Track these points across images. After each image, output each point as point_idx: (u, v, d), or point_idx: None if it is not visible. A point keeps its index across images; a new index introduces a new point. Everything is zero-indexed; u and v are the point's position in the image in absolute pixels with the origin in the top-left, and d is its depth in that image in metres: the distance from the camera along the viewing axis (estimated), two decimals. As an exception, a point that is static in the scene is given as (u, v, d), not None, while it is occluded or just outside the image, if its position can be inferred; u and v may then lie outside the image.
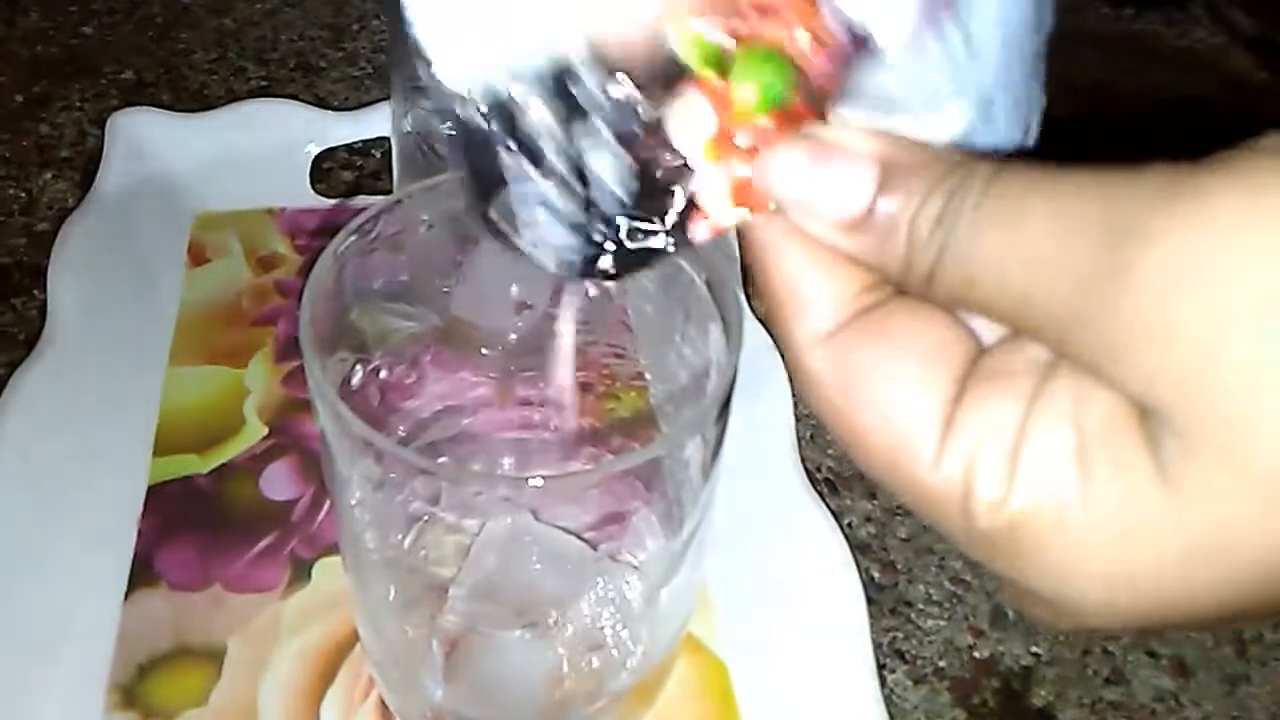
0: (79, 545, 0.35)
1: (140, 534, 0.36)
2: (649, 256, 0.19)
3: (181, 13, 0.60)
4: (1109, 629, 0.18)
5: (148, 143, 0.46)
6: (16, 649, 0.32)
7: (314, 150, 0.48)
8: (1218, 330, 0.14)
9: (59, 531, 0.35)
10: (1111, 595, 0.16)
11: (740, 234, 0.20)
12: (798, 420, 0.39)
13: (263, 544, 0.36)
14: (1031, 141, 0.21)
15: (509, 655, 0.29)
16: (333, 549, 0.36)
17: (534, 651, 0.29)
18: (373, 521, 0.25)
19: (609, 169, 0.18)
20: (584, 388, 0.34)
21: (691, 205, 0.19)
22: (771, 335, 0.42)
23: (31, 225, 0.48)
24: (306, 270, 0.24)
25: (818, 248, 0.19)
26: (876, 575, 0.38)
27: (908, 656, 0.36)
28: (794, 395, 0.40)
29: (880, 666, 0.34)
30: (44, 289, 0.40)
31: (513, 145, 0.18)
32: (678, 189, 0.19)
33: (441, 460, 0.31)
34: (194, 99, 0.54)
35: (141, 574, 0.35)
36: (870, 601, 0.35)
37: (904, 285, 0.18)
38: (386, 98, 0.40)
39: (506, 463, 0.34)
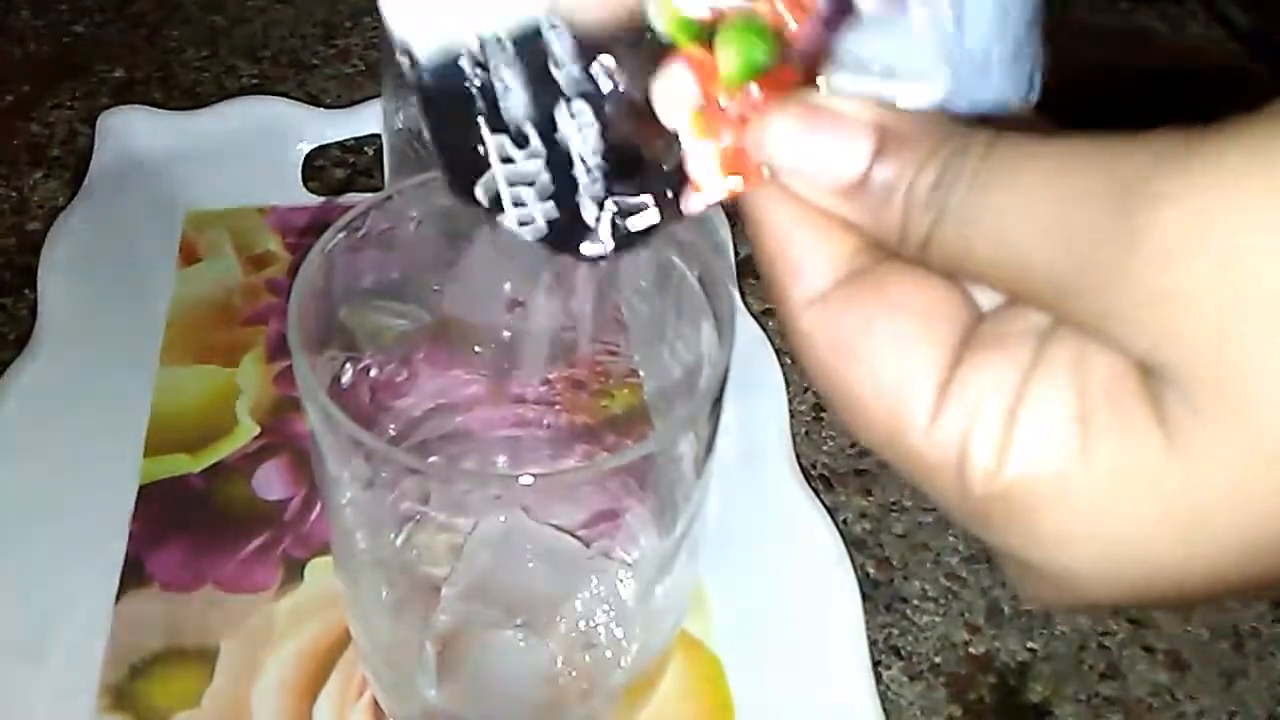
0: (70, 546, 0.35)
1: (132, 534, 0.36)
2: (642, 233, 0.19)
3: (173, 10, 0.60)
4: (1104, 602, 0.17)
5: (139, 141, 0.46)
6: (6, 650, 0.32)
7: (306, 148, 0.48)
8: (1230, 291, 0.14)
9: (50, 532, 0.35)
10: (1109, 563, 0.16)
11: (733, 201, 0.19)
12: (793, 416, 0.39)
13: (255, 544, 0.36)
14: (1035, 94, 0.21)
15: (503, 654, 0.29)
16: (325, 549, 0.36)
17: (528, 650, 0.29)
18: (364, 521, 0.24)
19: (594, 149, 0.18)
20: (577, 384, 0.34)
21: (682, 178, 0.19)
22: (767, 331, 0.41)
23: (22, 224, 0.48)
24: (297, 268, 0.24)
25: (811, 211, 0.18)
26: (872, 571, 0.38)
27: (903, 653, 0.36)
28: (789, 391, 0.40)
29: (876, 663, 0.34)
30: (34, 288, 0.40)
31: (495, 127, 0.18)
32: (666, 163, 0.19)
33: (432, 459, 0.31)
34: (185, 97, 0.54)
35: (133, 574, 0.35)
36: (865, 598, 0.35)
37: (900, 251, 0.18)
38: (379, 95, 0.40)
39: (500, 460, 0.34)
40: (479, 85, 0.18)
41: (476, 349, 0.36)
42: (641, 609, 0.29)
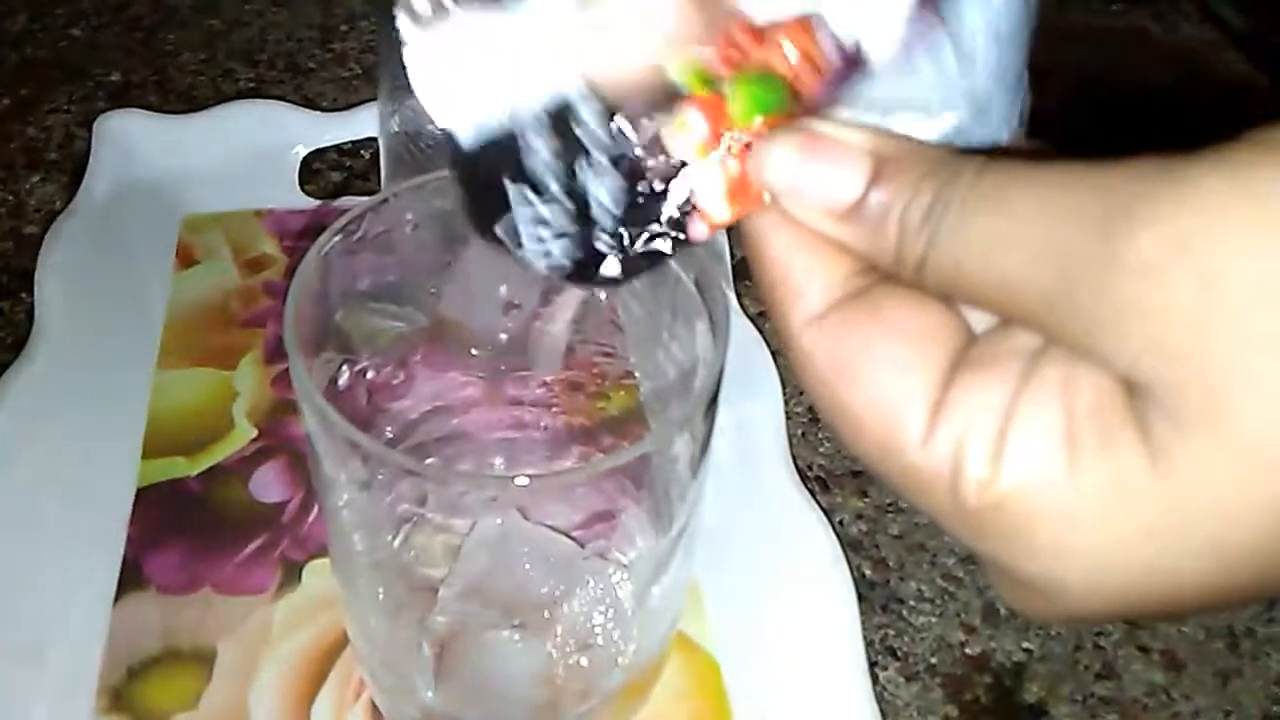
0: (68, 549, 0.35)
1: (129, 537, 0.36)
2: (651, 260, 0.20)
3: (169, 14, 0.60)
4: (1095, 616, 0.18)
5: (135, 145, 0.46)
6: (5, 653, 0.32)
7: (302, 151, 0.48)
8: (1207, 308, 0.14)
9: (47, 535, 0.35)
10: (1097, 576, 0.16)
11: (735, 225, 0.20)
12: (789, 418, 0.39)
13: (252, 546, 0.36)
14: (1023, 126, 0.22)
15: (500, 656, 0.29)
16: (323, 551, 0.36)
17: (525, 651, 0.29)
18: (361, 523, 0.25)
19: (609, 192, 0.19)
20: (574, 386, 0.34)
21: (689, 206, 0.20)
22: (763, 333, 0.42)
23: (19, 228, 0.48)
24: (294, 271, 0.24)
25: (809, 235, 0.19)
26: (868, 572, 0.38)
27: (899, 653, 0.36)
28: (785, 393, 0.40)
29: (872, 664, 0.34)
30: (32, 292, 0.40)
31: (516, 178, 0.19)
32: (676, 195, 0.20)
33: (429, 461, 0.31)
34: (182, 100, 0.54)
35: (131, 577, 0.35)
36: (862, 599, 0.35)
37: (896, 274, 0.18)
38: (375, 98, 0.40)
39: (497, 462, 0.34)
40: (505, 144, 0.19)
41: (474, 351, 0.36)
42: (638, 610, 0.29)
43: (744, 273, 0.48)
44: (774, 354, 0.40)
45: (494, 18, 0.18)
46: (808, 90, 0.19)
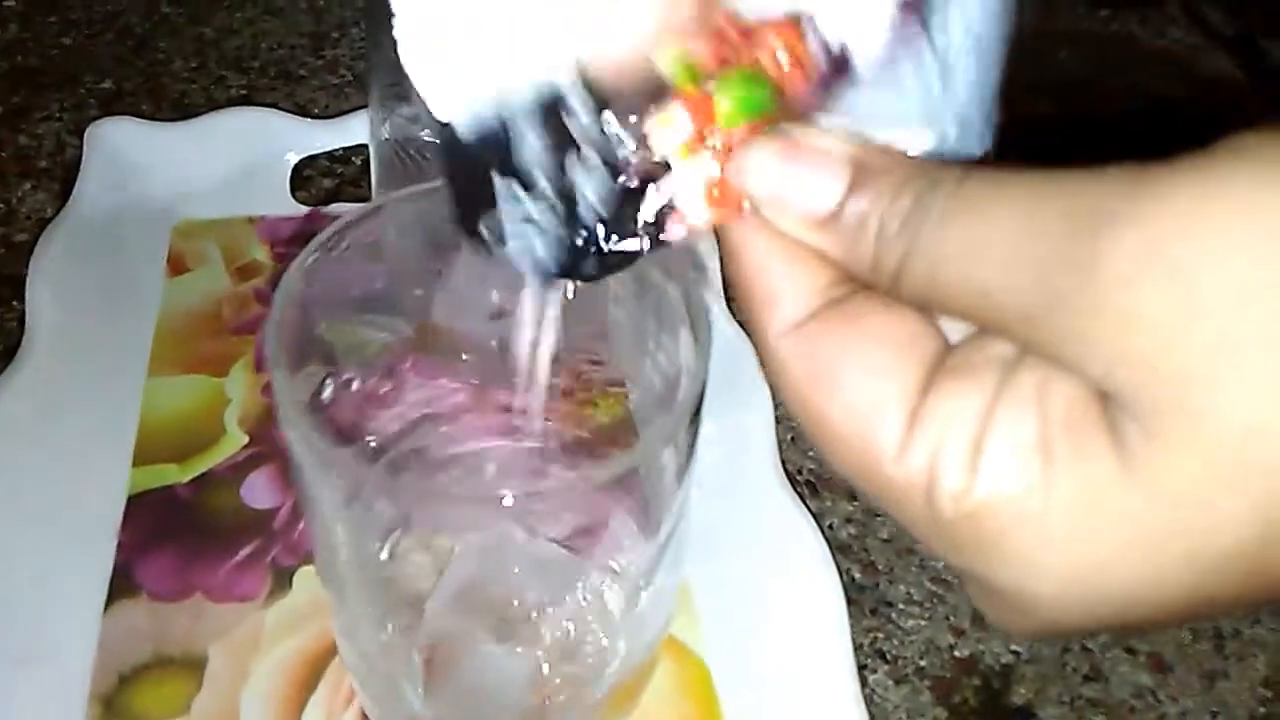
0: (58, 556, 0.35)
1: (120, 544, 0.36)
2: (628, 258, 0.20)
3: (160, 22, 0.60)
4: (1072, 629, 0.18)
5: (127, 152, 0.46)
6: (-4, 662, 0.32)
7: (294, 158, 0.48)
8: (1180, 315, 0.15)
9: (38, 542, 0.35)
10: (1072, 586, 0.16)
11: (715, 231, 0.20)
12: (778, 423, 0.39)
13: (243, 553, 0.36)
14: (991, 145, 0.22)
15: (489, 663, 0.29)
16: (313, 558, 0.36)
17: (514, 659, 0.29)
18: (347, 534, 0.25)
19: (594, 188, 0.19)
20: (563, 394, 0.34)
21: (669, 207, 0.20)
22: (750, 335, 0.42)
23: (10, 236, 0.48)
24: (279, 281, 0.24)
25: (788, 243, 0.19)
26: (857, 576, 0.39)
27: (888, 656, 0.37)
28: (774, 398, 0.40)
29: (861, 666, 0.34)
30: (23, 299, 0.40)
31: (506, 172, 0.19)
32: (656, 192, 0.20)
33: (408, 477, 0.31)
34: (173, 108, 0.54)
35: (121, 584, 0.35)
36: (851, 602, 0.35)
37: (872, 283, 0.18)
38: (366, 106, 0.40)
39: (487, 469, 0.35)
40: (495, 135, 0.19)
41: (464, 357, 0.36)
42: (627, 616, 0.30)
43: (734, 278, 0.48)
44: (758, 351, 0.40)
45: (487, 1, 0.18)
46: (794, 93, 0.19)
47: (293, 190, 0.48)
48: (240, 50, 0.58)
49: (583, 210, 0.19)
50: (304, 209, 0.48)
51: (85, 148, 0.46)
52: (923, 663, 0.36)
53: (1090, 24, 0.63)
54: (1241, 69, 0.58)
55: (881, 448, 0.17)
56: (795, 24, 0.19)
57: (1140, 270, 0.15)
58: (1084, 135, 0.47)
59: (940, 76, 0.21)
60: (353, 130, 0.49)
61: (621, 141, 0.19)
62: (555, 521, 0.29)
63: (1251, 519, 0.15)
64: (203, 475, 0.38)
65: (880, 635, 0.37)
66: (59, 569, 0.35)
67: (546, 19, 0.18)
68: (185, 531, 0.37)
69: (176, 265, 0.45)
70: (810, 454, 0.42)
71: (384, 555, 0.29)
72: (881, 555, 0.39)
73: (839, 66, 0.20)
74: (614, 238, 0.20)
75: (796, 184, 0.19)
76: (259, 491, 0.38)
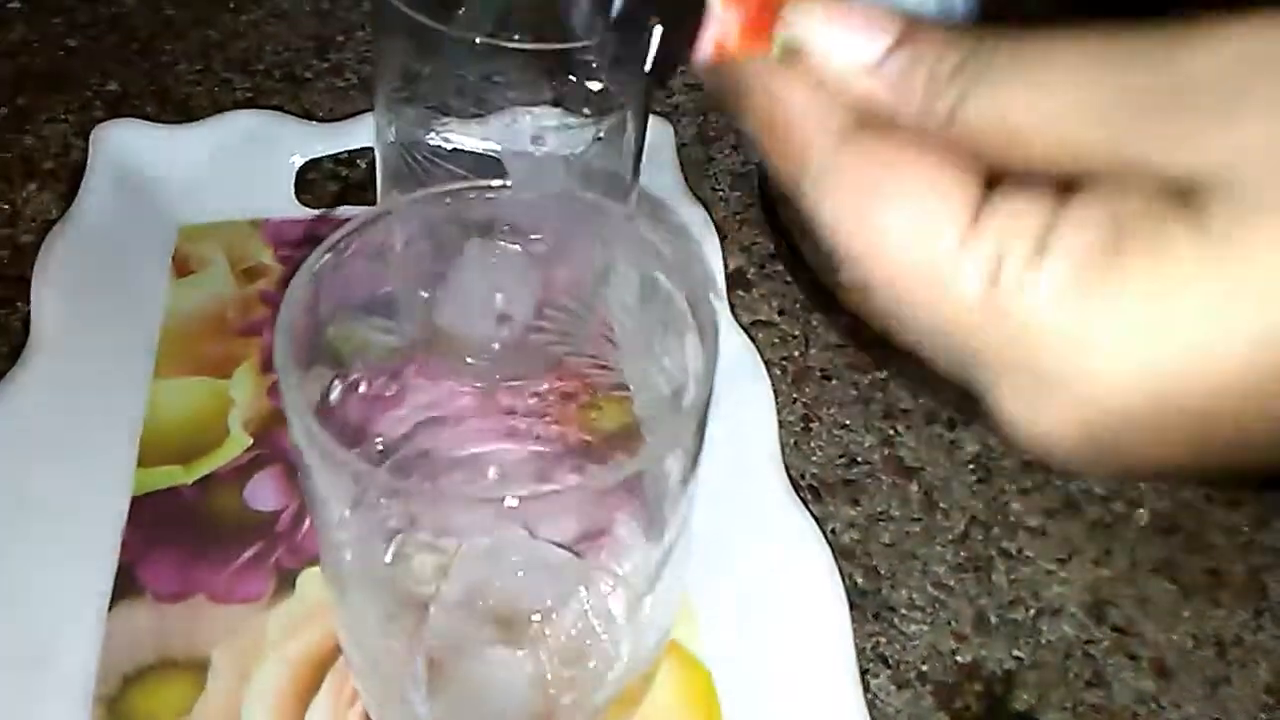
0: (63, 557, 0.35)
1: (124, 545, 0.36)
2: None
3: (166, 25, 0.60)
4: (1130, 419, 0.17)
5: (132, 154, 0.46)
6: (1, 662, 0.32)
7: (298, 161, 0.49)
8: None
9: (43, 543, 0.35)
10: (1145, 354, 0.16)
11: (740, 72, 0.21)
12: (781, 427, 0.39)
13: (247, 555, 0.36)
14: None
15: (493, 668, 0.29)
16: (317, 559, 0.36)
17: (518, 663, 0.29)
18: (352, 538, 0.25)
19: None
20: (566, 397, 0.34)
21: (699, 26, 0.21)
22: (755, 343, 0.42)
23: (15, 237, 0.48)
24: (289, 281, 0.24)
25: (821, 90, 0.20)
26: (860, 581, 0.39)
27: (891, 661, 0.37)
28: (777, 402, 0.40)
29: (863, 672, 0.34)
30: (28, 301, 0.40)
31: None
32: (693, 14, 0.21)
33: (416, 479, 0.31)
34: (178, 110, 0.54)
35: (126, 585, 0.35)
36: (853, 607, 0.35)
37: (918, 123, 0.19)
38: (371, 109, 0.40)
39: (491, 472, 0.35)
40: None
41: (469, 360, 0.36)
42: (630, 620, 0.30)
43: (736, 283, 0.48)
44: (766, 363, 0.40)
45: None
46: None
47: (297, 193, 0.48)
48: (245, 53, 0.58)
49: None
50: (309, 212, 0.48)
51: (90, 150, 0.46)
52: (925, 668, 0.37)
53: None
54: None
55: (942, 238, 0.17)
56: None
57: (1238, 69, 0.15)
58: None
59: None
60: (358, 134, 0.49)
61: None
62: (560, 525, 0.29)
63: None
64: (207, 477, 0.38)
65: (882, 640, 0.37)
66: (63, 570, 0.35)
67: None
68: (189, 533, 0.37)
69: (181, 267, 0.45)
70: (813, 459, 0.42)
71: (388, 557, 0.29)
72: (884, 560, 0.39)
73: None
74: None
75: (846, 32, 0.19)
76: (263, 494, 0.38)
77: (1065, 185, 0.17)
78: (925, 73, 0.18)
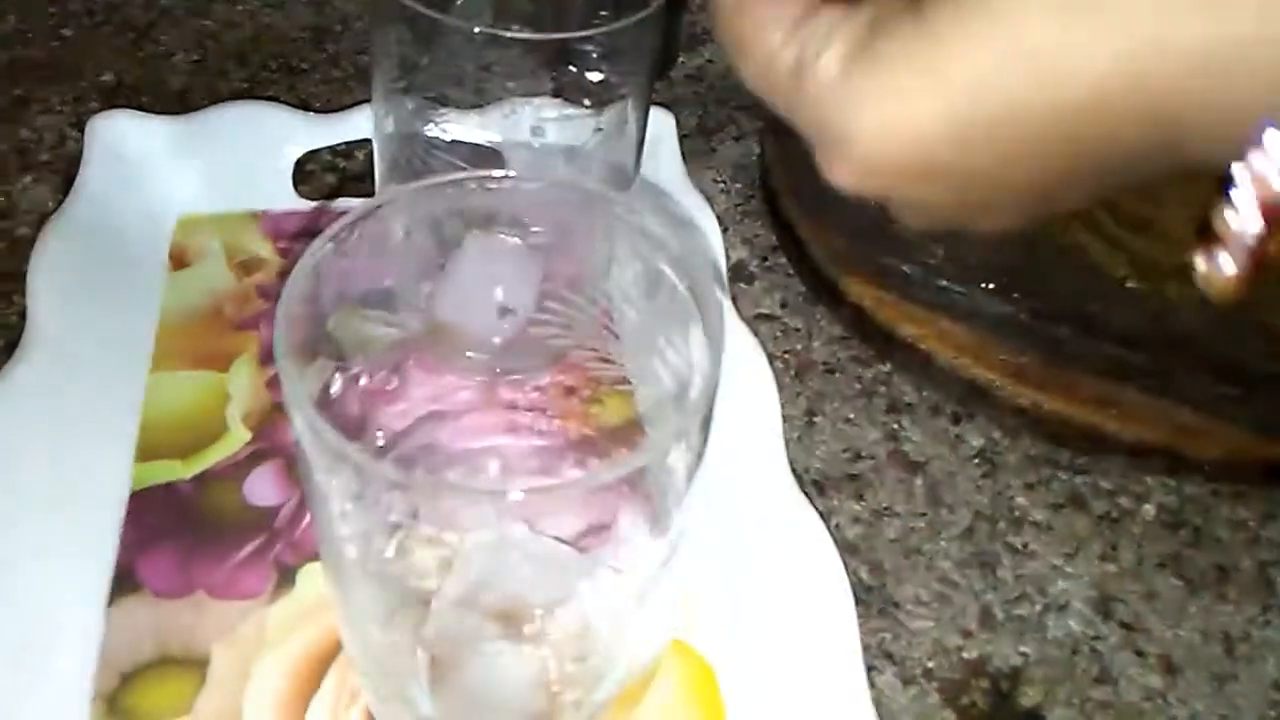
0: (60, 553, 0.35)
1: (122, 541, 0.36)
2: None
3: (161, 15, 0.59)
4: (891, 165, 0.24)
5: (128, 146, 0.46)
6: (-3, 660, 0.32)
7: (296, 152, 0.48)
8: None
9: (40, 539, 0.35)
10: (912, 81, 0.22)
11: None
12: (785, 421, 0.39)
13: (247, 550, 0.36)
14: None
15: (495, 664, 0.29)
16: (318, 555, 0.36)
17: (520, 659, 0.29)
18: (353, 532, 0.24)
19: None
20: (569, 391, 0.34)
21: None
22: (758, 337, 0.41)
23: (11, 230, 0.47)
24: (287, 273, 0.24)
25: None
26: (865, 576, 0.38)
27: (896, 658, 0.36)
28: (781, 396, 0.40)
29: (869, 668, 0.34)
30: (24, 294, 0.40)
31: None
32: None
33: (421, 470, 0.31)
34: (175, 101, 0.54)
35: (124, 581, 0.35)
36: (858, 602, 0.35)
37: None
38: (369, 100, 0.39)
39: (492, 467, 0.34)
40: None
41: (469, 354, 0.36)
42: (634, 615, 0.29)
43: (739, 277, 0.48)
44: (770, 357, 0.40)
45: None
46: None
47: (295, 185, 0.48)
48: (242, 44, 0.58)
49: None
50: (307, 204, 0.48)
51: (86, 141, 0.46)
52: (931, 664, 0.36)
53: None
54: None
55: (779, 35, 0.24)
56: None
57: None
58: None
59: None
60: (356, 125, 0.48)
61: None
62: (563, 520, 0.29)
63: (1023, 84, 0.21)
64: (205, 472, 0.38)
65: (888, 636, 0.37)
66: (60, 566, 0.34)
67: None
68: (188, 528, 0.36)
69: (178, 260, 0.45)
70: (817, 453, 0.42)
71: (390, 552, 0.28)
72: (889, 555, 0.39)
73: None
74: None
75: None
76: (262, 488, 0.38)
77: None
78: None
